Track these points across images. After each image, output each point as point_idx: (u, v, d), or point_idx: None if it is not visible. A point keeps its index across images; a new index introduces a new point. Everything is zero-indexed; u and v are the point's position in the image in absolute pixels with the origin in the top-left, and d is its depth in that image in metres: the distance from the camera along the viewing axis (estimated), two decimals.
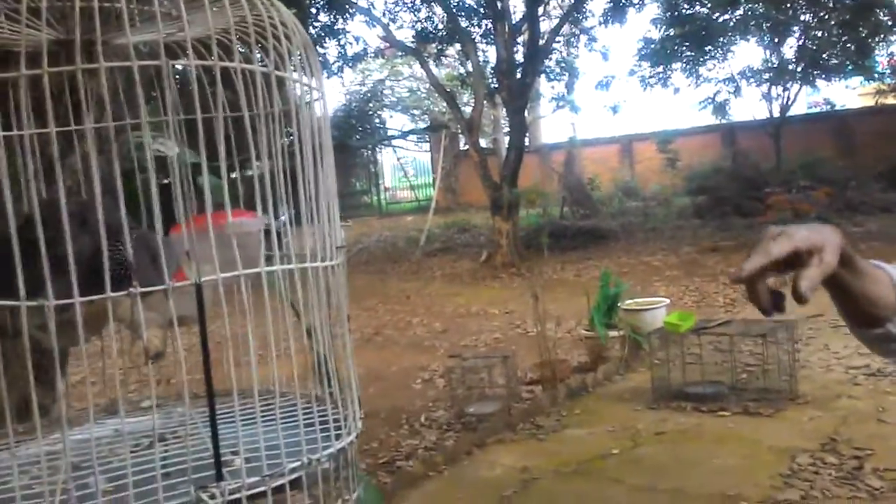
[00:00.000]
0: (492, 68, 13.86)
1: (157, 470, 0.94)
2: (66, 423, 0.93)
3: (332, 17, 13.53)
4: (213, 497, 0.92)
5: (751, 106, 27.37)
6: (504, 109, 14.79)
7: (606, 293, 6.02)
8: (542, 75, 15.56)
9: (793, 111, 17.26)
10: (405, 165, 26.46)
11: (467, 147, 15.52)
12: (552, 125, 18.92)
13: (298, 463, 1.00)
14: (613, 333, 5.97)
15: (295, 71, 1.13)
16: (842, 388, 4.91)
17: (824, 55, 15.70)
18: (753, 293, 1.03)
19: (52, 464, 1.05)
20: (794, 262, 1.01)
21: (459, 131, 17.18)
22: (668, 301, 6.61)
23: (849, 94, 19.56)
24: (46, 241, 0.88)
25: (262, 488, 0.96)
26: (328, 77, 14.79)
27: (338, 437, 1.07)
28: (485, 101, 13.86)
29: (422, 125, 24.60)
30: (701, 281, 9.23)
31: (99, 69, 0.92)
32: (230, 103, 1.04)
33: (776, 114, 16.92)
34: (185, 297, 0.93)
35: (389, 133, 25.29)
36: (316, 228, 1.10)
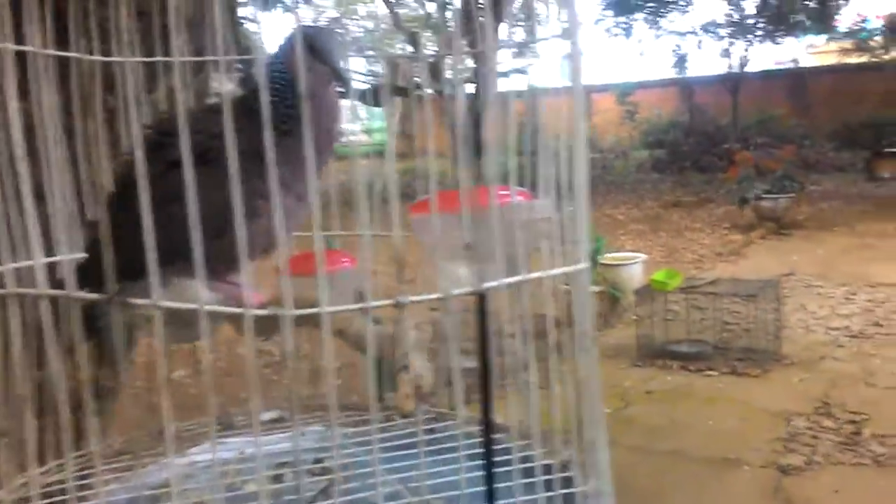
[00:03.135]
0: (454, 11, 13.48)
1: None
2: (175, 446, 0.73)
3: None
4: None
5: (709, 61, 27.35)
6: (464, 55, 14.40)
7: None
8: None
9: (751, 67, 17.27)
10: (358, 109, 25.95)
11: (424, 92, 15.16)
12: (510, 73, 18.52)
13: None
14: (591, 288, 5.85)
15: None
16: (825, 349, 4.89)
17: (786, 11, 15.67)
18: None
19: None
20: None
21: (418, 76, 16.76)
22: (645, 257, 6.52)
23: (803, 51, 19.59)
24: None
25: None
26: (283, 12, 14.20)
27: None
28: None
29: (377, 68, 24.08)
30: (667, 236, 9.19)
31: None
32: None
33: (735, 69, 16.90)
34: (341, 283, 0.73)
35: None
36: (577, 217, 0.90)
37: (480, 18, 0.86)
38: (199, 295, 0.65)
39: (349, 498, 0.90)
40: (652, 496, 3.22)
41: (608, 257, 6.24)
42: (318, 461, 1.15)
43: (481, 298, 0.71)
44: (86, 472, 0.96)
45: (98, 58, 0.86)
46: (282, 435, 1.16)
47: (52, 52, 0.66)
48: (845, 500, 3.08)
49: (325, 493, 1.01)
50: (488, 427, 0.73)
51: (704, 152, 14.67)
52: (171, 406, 0.69)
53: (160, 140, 0.85)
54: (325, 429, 1.22)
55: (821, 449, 3.48)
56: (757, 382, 4.41)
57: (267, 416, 1.20)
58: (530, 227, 0.85)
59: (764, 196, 9.16)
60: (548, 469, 0.83)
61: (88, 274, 0.76)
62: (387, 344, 0.80)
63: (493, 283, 0.72)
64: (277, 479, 1.06)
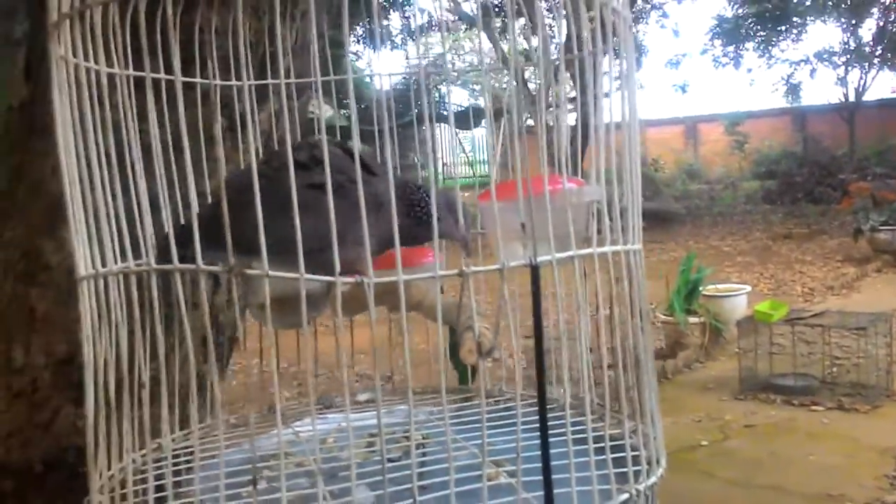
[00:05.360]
0: (557, 44, 13.62)
1: None
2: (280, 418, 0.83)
3: None
4: None
5: (823, 89, 26.57)
6: (567, 86, 14.49)
7: (688, 277, 5.81)
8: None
9: (868, 96, 16.67)
10: (463, 141, 26.34)
11: (527, 124, 15.32)
12: (614, 104, 18.43)
13: (626, 496, 0.87)
14: (693, 320, 5.76)
15: None
16: None
17: None
18: None
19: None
20: None
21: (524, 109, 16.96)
22: (749, 288, 6.38)
23: None
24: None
25: None
26: (391, 50, 14.69)
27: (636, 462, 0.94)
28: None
29: (481, 101, 24.45)
30: (775, 268, 8.95)
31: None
32: None
33: (851, 98, 16.36)
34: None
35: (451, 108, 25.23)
36: (630, 202, 0.98)
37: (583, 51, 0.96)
38: (300, 268, 0.76)
39: (428, 458, 1.00)
40: None
41: (710, 288, 6.13)
42: (406, 434, 1.26)
43: (535, 270, 0.79)
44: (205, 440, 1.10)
45: (219, 82, 0.98)
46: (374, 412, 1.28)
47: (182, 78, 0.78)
48: None
49: (407, 455, 1.11)
50: (542, 397, 0.80)
51: (818, 183, 14.20)
52: (279, 381, 0.80)
53: (308, 164, 0.96)
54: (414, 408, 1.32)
55: None
56: (865, 418, 4.26)
57: (363, 397, 1.31)
58: (580, 209, 0.93)
59: (880, 227, 8.81)
60: (603, 438, 0.89)
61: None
62: (454, 310, 0.89)
63: (546, 258, 0.80)
64: (370, 447, 1.16)
